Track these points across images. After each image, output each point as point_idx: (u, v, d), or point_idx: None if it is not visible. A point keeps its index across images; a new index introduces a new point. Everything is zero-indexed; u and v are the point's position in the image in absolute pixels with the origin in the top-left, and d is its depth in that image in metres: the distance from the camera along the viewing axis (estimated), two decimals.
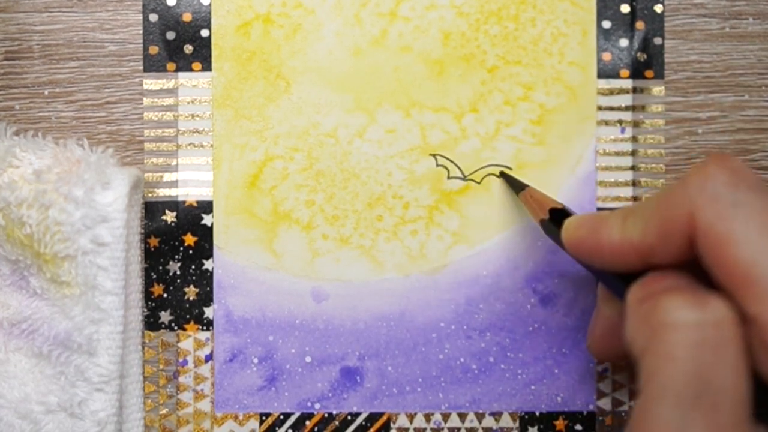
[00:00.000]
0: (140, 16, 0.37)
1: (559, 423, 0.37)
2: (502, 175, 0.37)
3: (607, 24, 0.37)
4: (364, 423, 0.37)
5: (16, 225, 0.33)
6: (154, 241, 0.37)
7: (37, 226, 0.33)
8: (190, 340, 0.37)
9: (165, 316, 0.37)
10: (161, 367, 0.37)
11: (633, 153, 0.37)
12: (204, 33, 0.37)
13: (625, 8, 0.37)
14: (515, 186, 0.36)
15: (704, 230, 0.24)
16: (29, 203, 0.33)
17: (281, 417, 0.37)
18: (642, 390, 0.23)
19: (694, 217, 0.24)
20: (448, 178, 0.37)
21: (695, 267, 0.25)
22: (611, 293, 0.31)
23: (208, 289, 0.37)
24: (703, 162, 0.25)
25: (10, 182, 0.33)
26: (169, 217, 0.37)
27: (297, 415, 0.37)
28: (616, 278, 0.28)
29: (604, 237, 0.27)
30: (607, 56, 0.37)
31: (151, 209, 0.37)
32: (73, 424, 0.34)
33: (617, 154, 0.37)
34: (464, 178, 0.37)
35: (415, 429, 0.37)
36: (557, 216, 0.32)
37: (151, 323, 0.37)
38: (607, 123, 0.37)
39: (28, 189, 0.33)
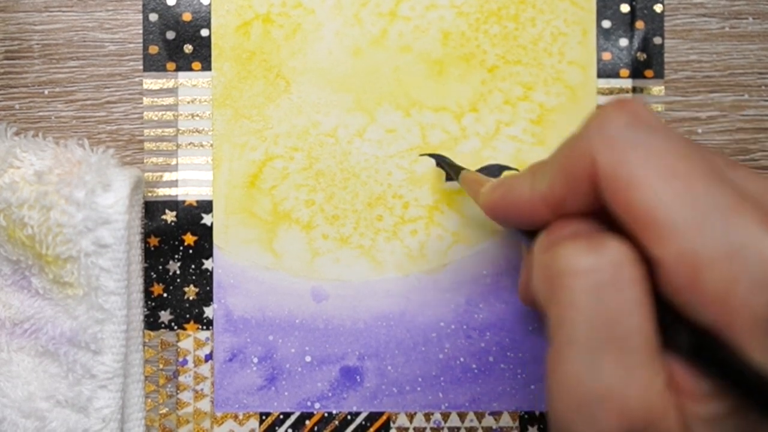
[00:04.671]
0: (140, 16, 0.37)
1: None
2: (434, 157, 0.36)
3: (607, 23, 0.37)
4: (363, 422, 0.37)
5: (18, 226, 0.33)
6: (154, 241, 0.37)
7: (39, 228, 0.33)
8: (189, 339, 0.37)
9: (165, 316, 0.37)
10: (161, 366, 0.37)
11: None
12: (204, 33, 0.37)
13: (625, 8, 0.37)
14: (454, 170, 0.35)
15: (605, 175, 0.23)
16: (30, 204, 0.33)
17: (281, 416, 0.37)
18: (551, 340, 0.23)
19: (595, 162, 0.23)
20: (446, 180, 0.37)
21: (608, 214, 0.24)
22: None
23: (207, 288, 0.37)
24: (603, 105, 0.24)
25: (11, 183, 0.33)
26: (169, 216, 0.37)
27: (297, 414, 0.37)
28: (535, 235, 0.27)
29: (516, 194, 0.26)
30: (607, 56, 0.37)
31: (151, 209, 0.37)
32: (78, 420, 0.34)
33: None
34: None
35: (414, 429, 0.37)
36: None
37: (151, 323, 0.37)
38: None
39: (29, 190, 0.33)
